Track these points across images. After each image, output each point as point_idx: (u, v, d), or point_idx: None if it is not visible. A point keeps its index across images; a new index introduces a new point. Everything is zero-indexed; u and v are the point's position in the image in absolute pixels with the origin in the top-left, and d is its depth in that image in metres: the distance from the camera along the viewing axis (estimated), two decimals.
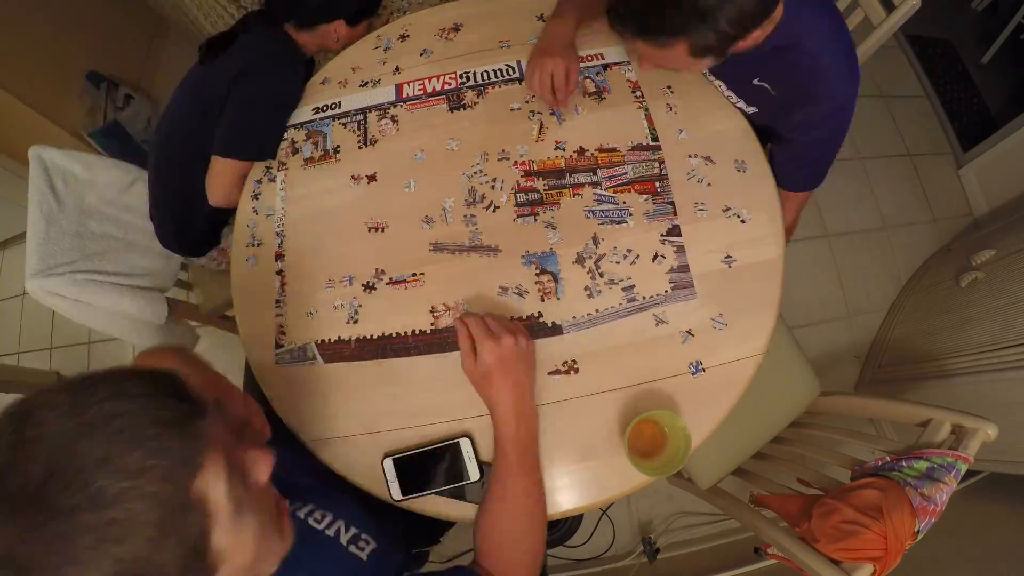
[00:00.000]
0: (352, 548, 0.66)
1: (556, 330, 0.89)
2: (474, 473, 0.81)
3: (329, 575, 0.63)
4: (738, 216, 0.93)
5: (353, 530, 0.68)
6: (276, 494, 0.52)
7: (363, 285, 0.96)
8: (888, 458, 0.92)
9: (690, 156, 0.98)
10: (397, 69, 1.13)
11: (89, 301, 1.13)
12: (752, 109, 1.00)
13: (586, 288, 0.91)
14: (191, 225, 1.29)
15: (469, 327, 0.81)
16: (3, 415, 0.40)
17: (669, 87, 1.04)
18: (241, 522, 0.44)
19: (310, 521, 0.66)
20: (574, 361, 0.87)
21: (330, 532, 0.66)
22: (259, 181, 1.08)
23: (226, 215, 1.32)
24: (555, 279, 0.92)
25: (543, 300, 0.91)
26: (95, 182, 1.24)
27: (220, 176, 1.13)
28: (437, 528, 1.05)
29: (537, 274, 0.93)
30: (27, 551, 0.36)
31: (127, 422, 0.39)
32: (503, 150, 1.02)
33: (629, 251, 0.93)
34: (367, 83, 1.12)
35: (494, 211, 0.98)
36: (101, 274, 1.16)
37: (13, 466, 0.37)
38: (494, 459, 0.79)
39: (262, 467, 0.49)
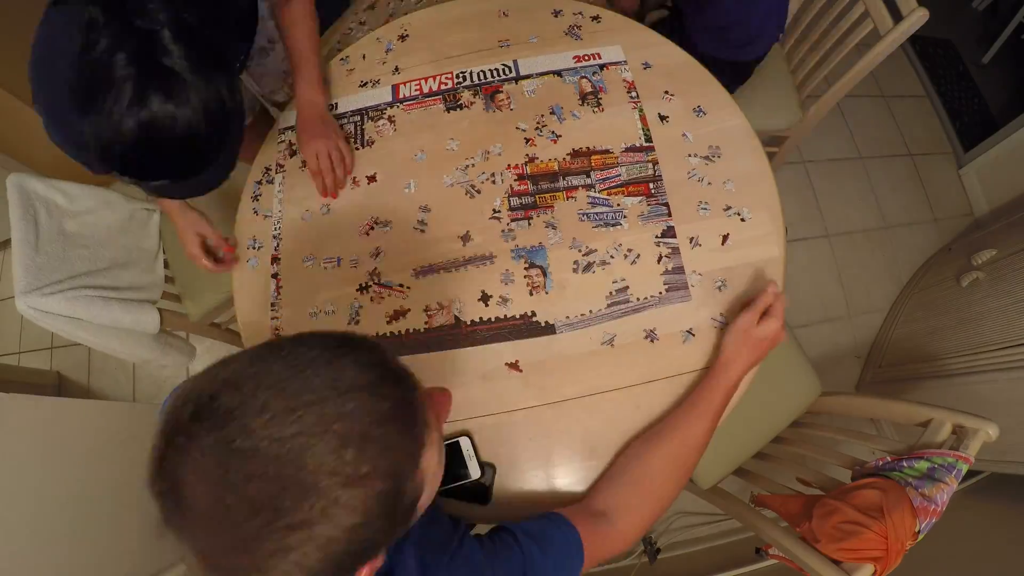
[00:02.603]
0: None
1: (549, 329, 0.89)
2: (475, 471, 0.81)
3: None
4: (739, 215, 0.93)
5: None
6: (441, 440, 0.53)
7: (360, 286, 0.96)
8: (889, 458, 0.91)
9: (690, 155, 0.98)
10: (396, 69, 1.13)
11: (82, 316, 1.13)
12: None
13: (580, 291, 0.91)
14: None
15: (777, 304, 0.82)
16: (188, 416, 0.38)
17: (667, 92, 1.04)
18: (436, 478, 0.48)
19: None
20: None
21: None
22: (259, 182, 1.08)
23: None
24: (544, 273, 0.92)
25: (532, 295, 0.91)
26: (76, 211, 1.24)
27: None
28: None
29: (526, 268, 0.93)
30: (248, 562, 0.37)
31: (350, 426, 0.39)
32: (488, 151, 1.02)
33: (624, 254, 0.92)
34: (366, 83, 1.12)
35: (493, 213, 0.98)
36: (91, 288, 1.16)
37: (233, 485, 0.36)
38: (686, 401, 0.79)
39: (447, 409, 0.54)
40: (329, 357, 0.41)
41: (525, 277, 0.92)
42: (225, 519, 0.36)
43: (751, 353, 0.80)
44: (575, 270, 0.92)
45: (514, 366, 0.88)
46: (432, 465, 0.46)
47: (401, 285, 0.95)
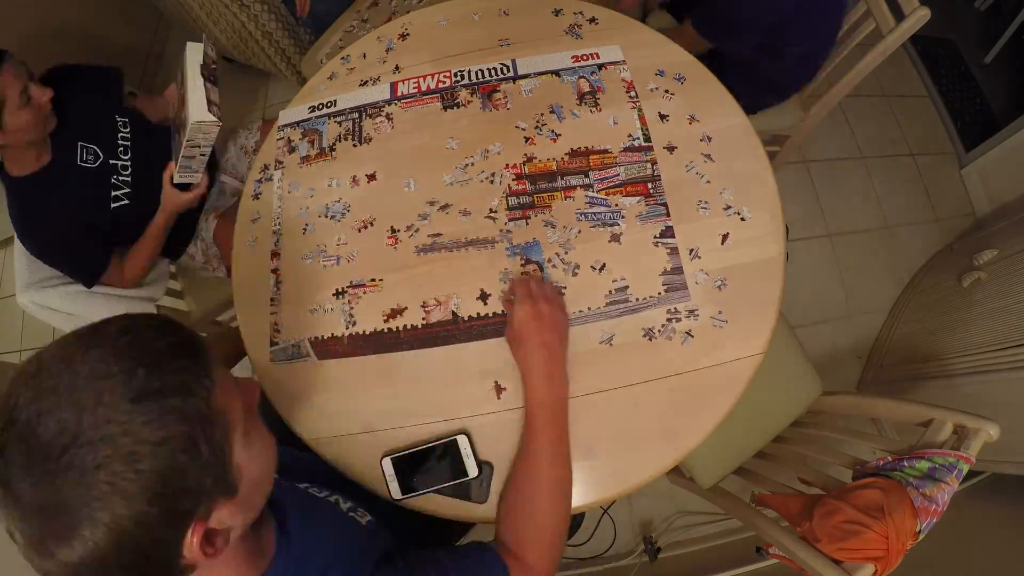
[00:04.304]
0: (351, 514, 0.69)
1: None
2: (472, 470, 0.81)
3: (332, 529, 0.65)
4: (738, 214, 0.93)
5: (349, 503, 0.71)
6: (259, 421, 0.55)
7: (358, 284, 0.96)
8: (890, 458, 0.91)
9: (690, 155, 0.98)
10: (397, 68, 1.13)
11: (80, 314, 1.13)
12: None
13: (578, 290, 0.90)
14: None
15: (514, 289, 0.82)
16: (9, 385, 0.42)
17: (668, 91, 1.04)
18: (249, 438, 0.49)
19: (311, 491, 0.70)
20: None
21: (330, 499, 0.70)
22: (259, 181, 1.08)
23: (196, 210, 1.36)
24: (541, 268, 0.92)
25: (505, 307, 0.90)
26: None
27: None
28: (450, 533, 1.05)
29: (523, 265, 0.93)
30: (66, 496, 0.39)
31: (134, 349, 0.43)
32: (487, 150, 1.02)
33: (622, 254, 0.92)
34: (367, 82, 1.12)
35: (491, 213, 0.97)
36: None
37: (25, 426, 0.40)
38: (524, 426, 0.79)
39: (254, 392, 0.54)
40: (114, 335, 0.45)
41: (523, 274, 0.92)
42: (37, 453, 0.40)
43: (530, 343, 0.78)
44: (573, 271, 0.92)
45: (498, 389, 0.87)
46: (232, 418, 0.47)
47: (373, 280, 0.95)
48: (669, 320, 0.88)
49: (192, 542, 0.44)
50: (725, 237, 0.92)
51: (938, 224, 2.04)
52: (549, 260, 0.93)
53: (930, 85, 2.26)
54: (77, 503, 0.39)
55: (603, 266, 0.92)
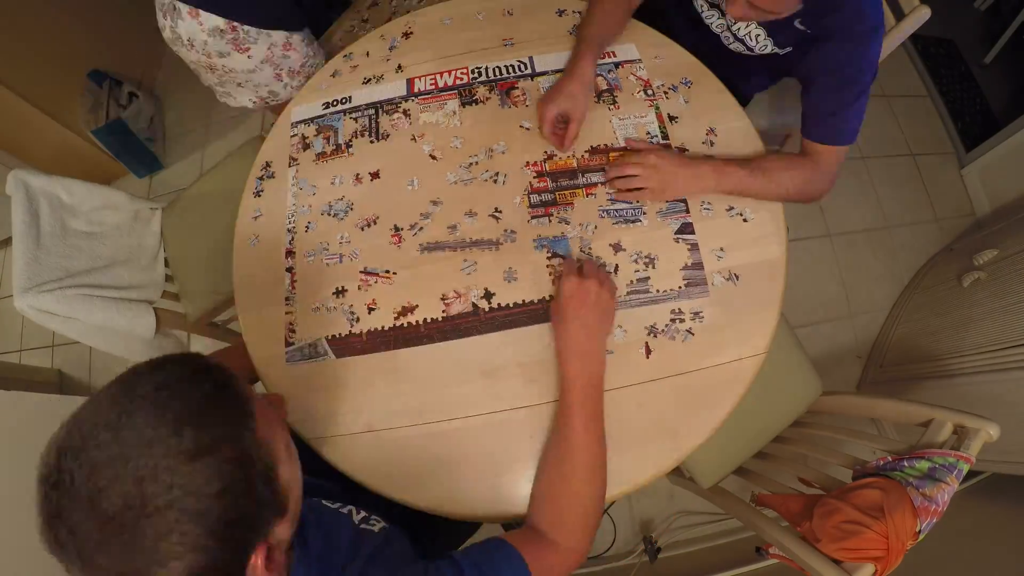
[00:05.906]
0: (363, 525, 0.68)
1: None
2: None
3: (344, 538, 0.64)
4: (741, 215, 0.94)
5: (363, 513, 0.71)
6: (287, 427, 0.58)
7: (371, 272, 0.96)
8: (890, 458, 0.92)
9: (695, 155, 0.98)
10: (399, 67, 1.13)
11: (79, 317, 1.13)
12: (787, 49, 1.02)
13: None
14: None
15: (563, 266, 0.82)
16: (56, 458, 0.43)
17: (673, 91, 1.04)
18: (289, 451, 0.53)
19: (323, 503, 0.70)
20: None
21: (343, 511, 0.69)
22: (260, 179, 1.07)
23: None
24: None
25: (554, 284, 0.91)
26: (78, 207, 1.25)
27: None
28: (459, 533, 1.05)
29: (548, 258, 0.93)
30: (144, 560, 0.41)
31: (181, 410, 0.44)
32: (491, 149, 1.02)
33: (645, 250, 0.92)
34: (369, 80, 1.13)
35: (496, 212, 0.97)
36: (90, 287, 1.16)
37: (89, 502, 0.41)
38: (558, 406, 0.78)
39: (282, 403, 0.61)
40: (151, 382, 0.47)
41: (548, 267, 0.92)
42: (105, 530, 0.41)
43: (569, 319, 0.78)
44: (597, 265, 0.92)
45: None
46: (276, 440, 0.51)
47: (387, 271, 0.95)
48: (673, 320, 0.88)
49: (257, 564, 0.47)
50: (727, 237, 0.92)
51: (938, 224, 2.05)
52: (575, 256, 0.93)
53: (930, 85, 2.26)
54: (155, 562, 0.41)
55: (628, 261, 0.92)
